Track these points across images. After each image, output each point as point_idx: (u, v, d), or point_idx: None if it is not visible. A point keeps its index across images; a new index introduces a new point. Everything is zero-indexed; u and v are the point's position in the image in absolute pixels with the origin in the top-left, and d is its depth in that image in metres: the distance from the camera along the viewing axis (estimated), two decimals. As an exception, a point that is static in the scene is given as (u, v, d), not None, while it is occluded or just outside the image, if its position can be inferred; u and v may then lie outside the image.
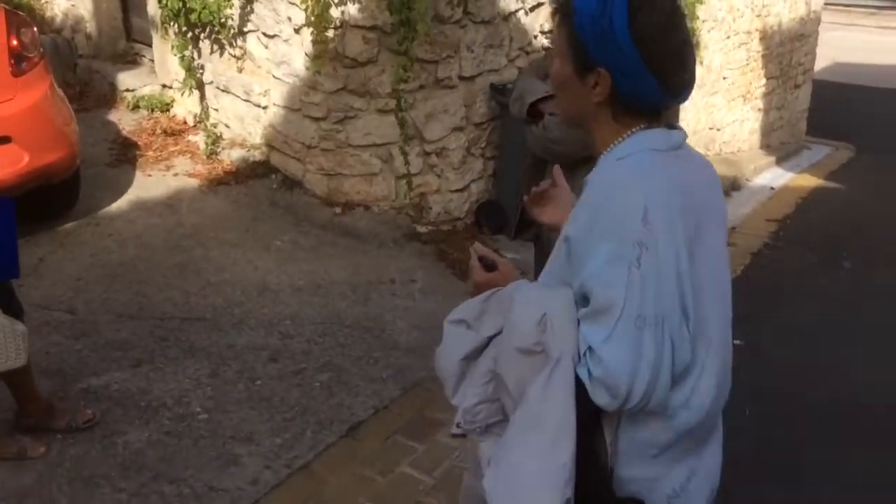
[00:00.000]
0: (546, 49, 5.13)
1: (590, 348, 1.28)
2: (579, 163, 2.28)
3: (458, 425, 1.47)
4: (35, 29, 4.26)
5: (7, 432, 2.85)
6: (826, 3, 10.87)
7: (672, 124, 1.43)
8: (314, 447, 2.95)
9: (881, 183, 8.23)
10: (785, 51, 8.84)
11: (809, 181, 7.99)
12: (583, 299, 1.32)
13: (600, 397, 1.28)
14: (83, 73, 6.61)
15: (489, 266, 1.53)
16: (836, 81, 12.87)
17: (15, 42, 4.03)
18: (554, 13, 1.44)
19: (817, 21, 9.52)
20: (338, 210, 4.84)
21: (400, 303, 4.05)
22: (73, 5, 6.84)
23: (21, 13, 4.60)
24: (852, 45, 16.77)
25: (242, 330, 3.67)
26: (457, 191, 5.15)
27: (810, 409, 3.59)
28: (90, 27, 6.67)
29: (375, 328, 3.79)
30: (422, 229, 4.88)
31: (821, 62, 11.00)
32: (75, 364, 3.31)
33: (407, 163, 4.85)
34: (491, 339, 1.43)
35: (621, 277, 1.25)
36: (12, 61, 3.99)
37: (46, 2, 7.16)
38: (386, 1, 4.41)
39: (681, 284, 1.29)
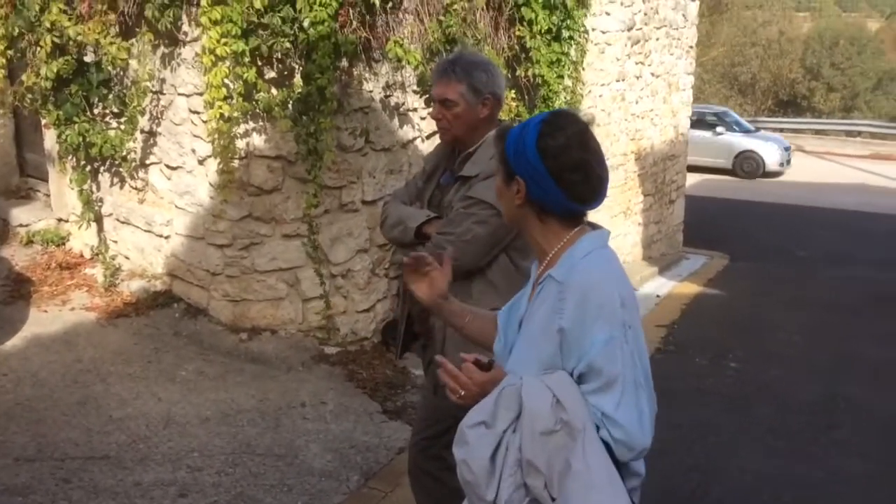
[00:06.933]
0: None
1: (604, 415, 1.57)
2: (469, 274, 2.46)
3: None
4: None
5: None
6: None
7: (594, 224, 1.77)
8: (231, 583, 2.86)
9: (755, 287, 8.88)
10: (658, 170, 9.59)
11: (691, 288, 8.53)
12: (585, 375, 1.60)
13: (623, 455, 1.59)
14: (-28, 208, 6.43)
15: (484, 366, 1.69)
16: (705, 196, 13.97)
17: None
18: (497, 140, 1.80)
19: (685, 142, 10.42)
20: (244, 336, 4.82)
21: (312, 426, 4.03)
22: (-38, 142, 6.73)
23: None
24: (717, 163, 18.23)
25: (148, 466, 3.55)
26: (363, 311, 5.25)
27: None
28: (-20, 163, 6.57)
29: (288, 454, 3.74)
30: (330, 351, 4.91)
31: (691, 178, 11.95)
32: (-32, 514, 3.12)
33: (322, 283, 4.93)
34: (504, 431, 1.61)
35: (619, 354, 1.58)
36: None
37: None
38: (291, 133, 4.61)
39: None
